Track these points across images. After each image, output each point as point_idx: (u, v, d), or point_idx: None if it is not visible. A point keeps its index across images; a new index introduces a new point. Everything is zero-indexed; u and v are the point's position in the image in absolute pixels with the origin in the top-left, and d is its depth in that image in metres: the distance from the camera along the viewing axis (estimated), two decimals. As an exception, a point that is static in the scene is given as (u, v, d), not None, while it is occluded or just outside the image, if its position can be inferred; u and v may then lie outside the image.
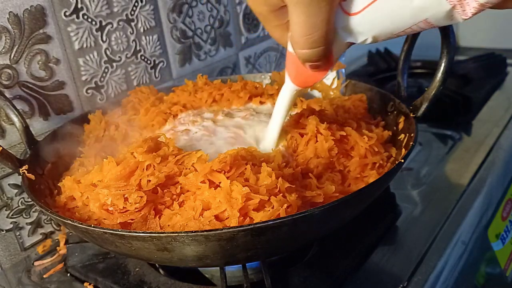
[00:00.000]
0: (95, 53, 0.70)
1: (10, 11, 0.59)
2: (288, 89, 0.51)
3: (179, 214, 0.44)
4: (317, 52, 0.41)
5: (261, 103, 0.67)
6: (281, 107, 0.52)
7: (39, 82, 0.64)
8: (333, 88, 0.69)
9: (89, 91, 0.71)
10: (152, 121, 0.64)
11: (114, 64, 0.73)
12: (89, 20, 0.68)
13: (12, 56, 0.60)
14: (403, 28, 0.39)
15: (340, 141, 0.54)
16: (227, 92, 0.68)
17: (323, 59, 0.42)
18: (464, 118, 0.88)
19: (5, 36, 0.59)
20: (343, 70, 0.70)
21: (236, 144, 0.54)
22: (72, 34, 0.67)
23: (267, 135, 0.55)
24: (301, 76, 0.48)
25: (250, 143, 0.55)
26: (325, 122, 0.54)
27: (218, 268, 0.49)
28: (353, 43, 0.43)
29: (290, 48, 0.45)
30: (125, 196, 0.45)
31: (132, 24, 0.75)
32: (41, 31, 0.63)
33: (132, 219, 0.45)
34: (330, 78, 0.69)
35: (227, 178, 0.44)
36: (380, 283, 0.52)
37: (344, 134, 0.54)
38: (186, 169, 0.48)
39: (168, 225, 0.44)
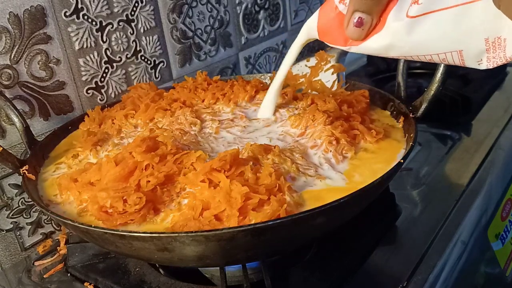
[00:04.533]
0: (95, 54, 0.70)
1: (10, 11, 0.59)
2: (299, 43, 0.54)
3: (179, 214, 0.44)
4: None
5: None
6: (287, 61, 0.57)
7: (40, 82, 0.64)
8: (333, 91, 0.69)
9: (89, 91, 0.71)
10: (152, 116, 0.63)
11: (114, 64, 0.73)
12: (89, 20, 0.69)
13: (12, 56, 0.60)
14: (437, 51, 0.40)
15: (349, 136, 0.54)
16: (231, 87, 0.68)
17: (375, 12, 0.41)
18: (463, 118, 0.88)
19: (5, 36, 0.59)
20: (344, 73, 0.69)
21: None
22: (72, 34, 0.67)
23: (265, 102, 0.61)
24: (335, 33, 0.46)
25: None
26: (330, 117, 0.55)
27: (218, 268, 0.49)
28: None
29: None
30: (124, 198, 0.45)
31: (132, 24, 0.75)
32: (41, 31, 0.63)
33: (131, 220, 0.45)
34: (330, 81, 0.69)
35: (227, 177, 0.44)
36: (380, 283, 0.52)
37: (358, 133, 0.54)
38: (186, 168, 0.48)
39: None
